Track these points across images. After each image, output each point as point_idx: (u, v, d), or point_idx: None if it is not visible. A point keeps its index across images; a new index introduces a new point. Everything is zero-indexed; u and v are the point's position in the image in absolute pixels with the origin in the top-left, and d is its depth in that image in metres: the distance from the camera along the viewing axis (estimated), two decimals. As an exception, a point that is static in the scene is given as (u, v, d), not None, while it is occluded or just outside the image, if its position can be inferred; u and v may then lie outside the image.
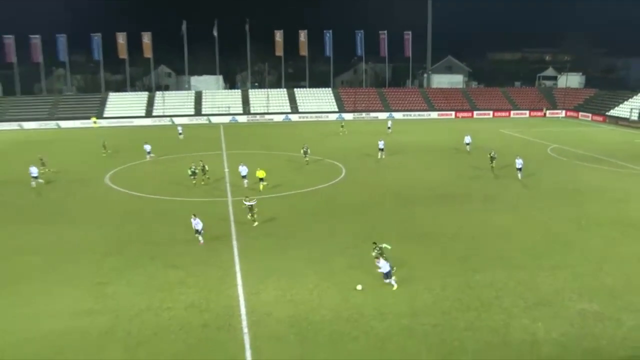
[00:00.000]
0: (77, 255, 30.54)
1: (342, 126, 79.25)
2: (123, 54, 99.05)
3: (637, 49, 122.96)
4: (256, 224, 34.97)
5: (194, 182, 45.96)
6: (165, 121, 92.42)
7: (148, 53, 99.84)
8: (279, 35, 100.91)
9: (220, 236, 33.32)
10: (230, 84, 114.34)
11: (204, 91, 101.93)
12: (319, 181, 47.92)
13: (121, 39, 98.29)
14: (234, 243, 32.21)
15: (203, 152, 62.51)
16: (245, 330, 21.86)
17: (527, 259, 29.25)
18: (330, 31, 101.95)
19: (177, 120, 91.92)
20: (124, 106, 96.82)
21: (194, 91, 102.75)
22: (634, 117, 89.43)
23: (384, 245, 26.97)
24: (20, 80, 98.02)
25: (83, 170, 53.93)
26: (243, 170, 45.54)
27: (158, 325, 22.27)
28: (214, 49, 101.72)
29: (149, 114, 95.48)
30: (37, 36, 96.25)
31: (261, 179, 43.74)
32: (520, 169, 47.84)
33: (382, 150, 57.79)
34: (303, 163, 55.29)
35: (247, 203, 35.27)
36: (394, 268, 25.75)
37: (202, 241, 31.91)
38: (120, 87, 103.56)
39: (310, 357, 19.90)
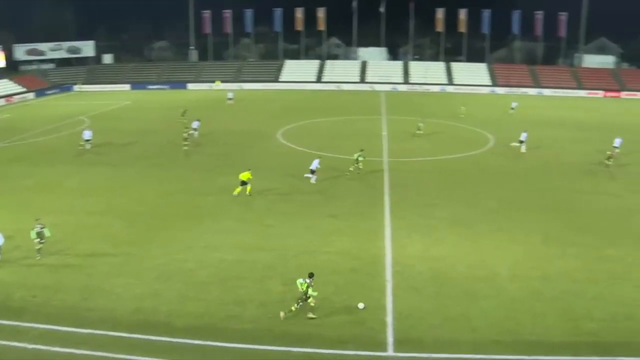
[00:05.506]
0: (253, 199, 32.39)
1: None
2: (300, 26, 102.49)
3: None
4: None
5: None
6: (333, 87, 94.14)
7: (321, 26, 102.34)
8: (440, 13, 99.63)
9: (375, 194, 33.70)
10: (394, 56, 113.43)
11: (369, 61, 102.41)
12: (466, 148, 46.47)
13: (299, 13, 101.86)
14: (386, 198, 32.57)
15: (363, 115, 62.93)
16: (389, 278, 22.23)
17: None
18: (489, 10, 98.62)
19: (343, 87, 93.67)
20: (297, 72, 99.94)
21: (360, 61, 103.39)
22: None
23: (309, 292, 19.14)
24: (213, 48, 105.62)
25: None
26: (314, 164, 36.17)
27: (313, 265, 23.03)
28: (380, 24, 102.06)
29: (319, 79, 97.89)
30: (228, 11, 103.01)
31: (244, 182, 32.44)
32: None
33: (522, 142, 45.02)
34: (445, 131, 53.89)
35: None
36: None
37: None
38: (295, 56, 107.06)
39: (444, 310, 19.85)
